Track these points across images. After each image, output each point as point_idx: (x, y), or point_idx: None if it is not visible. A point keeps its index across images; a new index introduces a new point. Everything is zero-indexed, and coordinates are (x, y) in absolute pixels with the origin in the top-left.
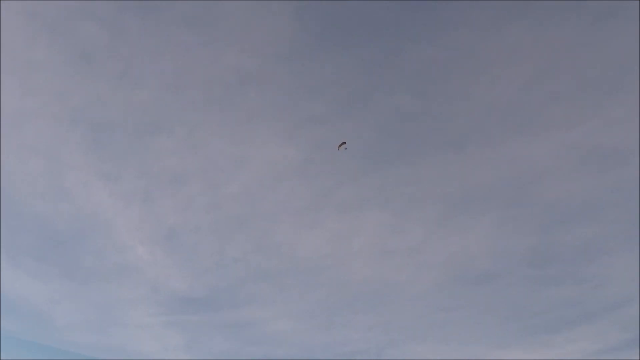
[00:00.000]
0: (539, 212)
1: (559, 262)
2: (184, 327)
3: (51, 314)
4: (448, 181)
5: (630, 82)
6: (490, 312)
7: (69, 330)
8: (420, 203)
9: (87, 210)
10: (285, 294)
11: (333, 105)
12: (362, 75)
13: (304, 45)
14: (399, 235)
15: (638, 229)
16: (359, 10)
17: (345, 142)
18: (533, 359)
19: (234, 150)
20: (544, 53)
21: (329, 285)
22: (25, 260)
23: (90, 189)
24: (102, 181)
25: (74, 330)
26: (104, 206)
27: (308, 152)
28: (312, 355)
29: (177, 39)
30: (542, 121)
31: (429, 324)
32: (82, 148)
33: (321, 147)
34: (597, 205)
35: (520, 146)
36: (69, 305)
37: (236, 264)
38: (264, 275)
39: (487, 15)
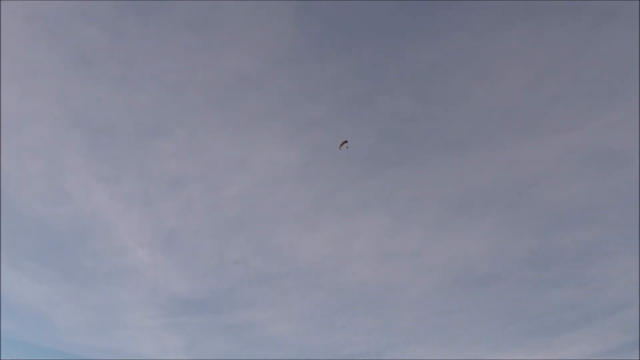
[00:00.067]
0: (539, 215)
1: (559, 264)
2: (184, 329)
3: (51, 316)
4: (448, 184)
5: (630, 85)
6: (491, 314)
7: (68, 332)
8: (420, 205)
9: (87, 212)
10: (285, 296)
11: (333, 108)
12: (362, 78)
13: (304, 48)
14: (399, 237)
15: (638, 231)
16: (359, 12)
17: (346, 141)
18: None
19: (234, 152)
20: (543, 56)
21: (329, 288)
22: (25, 262)
23: (90, 191)
24: (102, 183)
25: (73, 332)
26: (103, 208)
27: (308, 155)
28: (311, 357)
29: (177, 42)
30: (543, 124)
31: (429, 326)
32: (82, 150)
33: (321, 150)
34: (597, 207)
35: (521, 149)
36: (68, 307)
37: (236, 266)
38: (263, 277)
39: (487, 18)
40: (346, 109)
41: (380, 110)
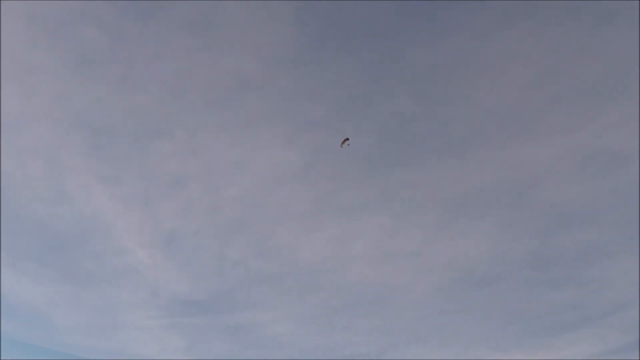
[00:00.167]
0: (539, 216)
1: (559, 265)
2: (184, 330)
3: (51, 317)
4: (448, 184)
5: (630, 86)
6: (491, 314)
7: (69, 333)
8: (420, 206)
9: (87, 213)
10: (285, 297)
11: (333, 109)
12: (363, 79)
13: (305, 49)
14: (399, 238)
15: (638, 232)
16: (360, 14)
17: (347, 139)
18: None
19: (234, 153)
20: (543, 56)
21: (330, 289)
22: (26, 263)
23: (91, 192)
24: (102, 184)
25: (74, 333)
26: (104, 209)
27: (308, 156)
28: (312, 358)
29: (177, 43)
30: (543, 124)
31: (429, 327)
32: (83, 151)
33: (321, 151)
34: (597, 208)
35: (521, 149)
36: (69, 307)
37: (236, 267)
38: (264, 278)
39: (487, 19)
40: (346, 110)
41: (380, 110)
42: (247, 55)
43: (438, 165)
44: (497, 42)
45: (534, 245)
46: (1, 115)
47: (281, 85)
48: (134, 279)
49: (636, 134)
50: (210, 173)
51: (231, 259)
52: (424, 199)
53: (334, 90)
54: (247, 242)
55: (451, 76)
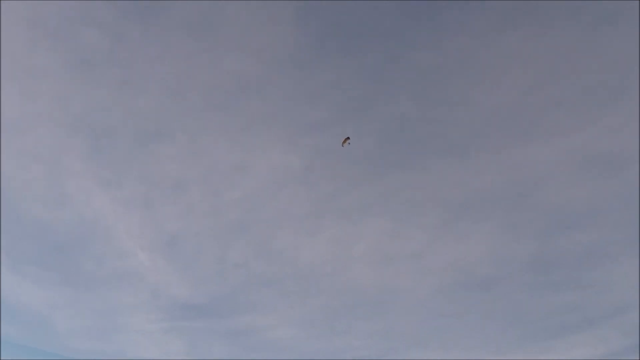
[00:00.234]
0: (540, 218)
1: (560, 267)
2: (185, 333)
3: (52, 320)
4: (449, 187)
5: (631, 88)
6: (492, 317)
7: (69, 336)
8: (421, 209)
9: (88, 216)
10: (286, 300)
11: (334, 112)
12: (363, 81)
13: (305, 52)
14: (400, 241)
15: (639, 234)
16: (361, 15)
17: (348, 138)
18: None
19: (235, 156)
20: (544, 59)
21: (330, 292)
22: (26, 266)
23: (91, 195)
24: (103, 187)
25: (74, 336)
26: (104, 212)
27: (309, 159)
28: None
29: (178, 45)
30: (543, 127)
31: (430, 330)
32: (83, 154)
33: (322, 154)
34: (598, 211)
35: (521, 152)
36: (69, 311)
37: (237, 270)
38: (265, 281)
39: (488, 21)
40: (347, 112)
41: (381, 113)
42: (248, 58)
43: (439, 168)
44: (498, 44)
45: (534, 248)
46: (2, 118)
47: (282, 87)
48: (134, 282)
49: (636, 137)
50: (211, 176)
51: (232, 261)
52: (424, 201)
53: (335, 92)
54: (248, 245)
55: (452, 78)
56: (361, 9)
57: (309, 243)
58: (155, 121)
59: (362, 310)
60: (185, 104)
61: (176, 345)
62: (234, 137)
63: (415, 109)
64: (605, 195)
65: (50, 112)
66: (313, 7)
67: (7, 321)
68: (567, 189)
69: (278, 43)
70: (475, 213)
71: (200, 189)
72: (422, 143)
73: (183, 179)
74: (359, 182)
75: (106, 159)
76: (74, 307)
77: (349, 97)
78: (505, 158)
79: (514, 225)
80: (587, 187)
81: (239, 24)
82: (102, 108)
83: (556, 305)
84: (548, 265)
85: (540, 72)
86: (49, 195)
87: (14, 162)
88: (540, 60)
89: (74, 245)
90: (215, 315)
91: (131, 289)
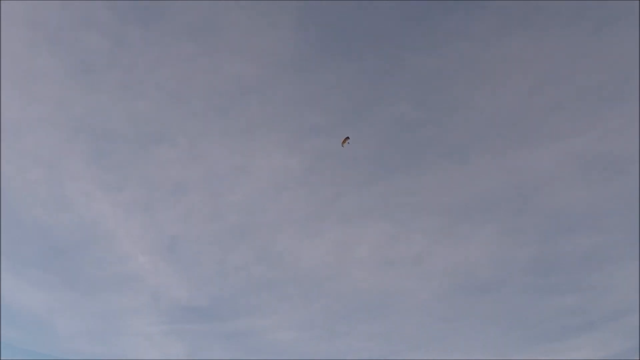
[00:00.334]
0: (541, 221)
1: (561, 270)
2: (186, 336)
3: (53, 323)
4: (450, 190)
5: (631, 91)
6: (493, 320)
7: (70, 340)
8: (422, 212)
9: (88, 219)
10: (287, 303)
11: (335, 115)
12: (364, 85)
13: (306, 55)
14: (400, 244)
15: (639, 237)
16: (361, 19)
17: (348, 137)
18: None
19: (236, 159)
20: (545, 62)
21: (331, 295)
22: (27, 270)
23: (92, 198)
24: (103, 190)
25: (75, 340)
26: (105, 215)
27: (310, 162)
28: None
29: (178, 49)
30: (544, 130)
31: (431, 333)
32: (84, 158)
33: (323, 157)
34: (598, 213)
35: (522, 155)
36: (70, 314)
37: (238, 273)
38: (265, 284)
39: (488, 25)
40: (348, 116)
41: (381, 116)
42: (248, 61)
43: (440, 171)
44: (498, 47)
45: (535, 251)
46: (3, 121)
47: (282, 90)
48: (135, 286)
49: (637, 139)
50: (212, 179)
51: (232, 265)
52: (425, 204)
53: (335, 96)
54: (249, 248)
55: (452, 82)
56: (362, 13)
57: (309, 246)
58: (156, 124)
59: (363, 313)
60: (186, 107)
61: (177, 348)
62: (234, 140)
63: (416, 112)
64: (605, 198)
65: (51, 115)
66: (313, 11)
67: (8, 324)
68: (567, 192)
69: (278, 46)
70: (476, 216)
71: (201, 192)
72: (423, 146)
73: (184, 182)
74: (360, 185)
75: (107, 162)
76: (74, 310)
77: (349, 101)
78: (506, 161)
79: (515, 228)
80: (588, 190)
81: (240, 27)
82: (102, 111)
83: (557, 307)
84: (549, 268)
85: (540, 75)
86: (49, 198)
87: (14, 165)
88: (540, 64)
89: (75, 248)
90: (216, 318)
91: (132, 291)
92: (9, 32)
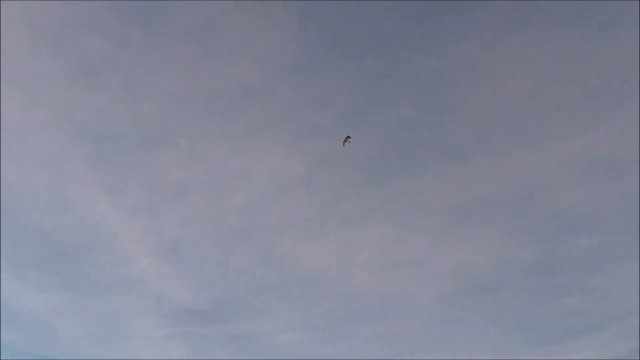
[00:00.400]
0: (543, 223)
1: (563, 272)
2: (188, 339)
3: (54, 326)
4: (452, 192)
5: (633, 92)
6: (495, 322)
7: (71, 342)
8: (424, 214)
9: (90, 222)
10: (289, 305)
11: (336, 117)
12: (366, 86)
13: (307, 57)
14: (403, 246)
15: None
16: (362, 21)
17: (349, 136)
18: None
19: (238, 162)
20: (546, 63)
21: (334, 297)
22: (29, 273)
23: (94, 201)
24: (106, 193)
25: (76, 342)
26: (107, 218)
27: (312, 164)
28: None
29: (180, 51)
30: (546, 131)
31: (433, 335)
32: (86, 160)
33: (325, 159)
34: (600, 215)
35: (524, 157)
36: (71, 317)
37: (240, 276)
38: (268, 287)
39: (489, 26)
40: (350, 117)
41: (383, 118)
42: (250, 63)
43: (441, 173)
44: (500, 48)
45: (537, 253)
46: (4, 124)
47: (284, 92)
48: (137, 288)
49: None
50: (214, 181)
51: (235, 267)
52: (427, 206)
53: (337, 97)
54: (251, 251)
55: (454, 83)
56: (363, 15)
57: (312, 248)
58: (158, 127)
59: (365, 314)
60: (188, 110)
61: (179, 351)
62: (236, 142)
63: (417, 114)
64: (607, 199)
65: (52, 118)
66: (315, 13)
67: (9, 327)
68: (569, 194)
69: (280, 48)
70: (477, 218)
71: (203, 194)
72: (425, 148)
73: (186, 184)
74: (362, 188)
75: (109, 164)
76: (76, 312)
77: (351, 102)
78: (508, 163)
79: (517, 230)
80: (590, 192)
81: (241, 29)
82: (104, 114)
83: (559, 310)
84: (551, 270)
85: (542, 77)
86: (51, 201)
87: (16, 168)
88: (542, 65)
89: (77, 251)
90: (219, 321)
91: (134, 294)
92: (9, 34)
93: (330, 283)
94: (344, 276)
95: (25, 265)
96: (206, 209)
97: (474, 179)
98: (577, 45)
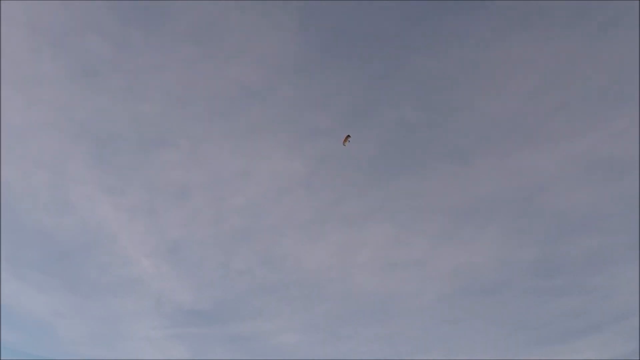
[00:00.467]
0: (543, 223)
1: (564, 273)
2: (189, 340)
3: (54, 327)
4: (453, 193)
5: (633, 92)
6: (496, 323)
7: (72, 343)
8: (425, 215)
9: (91, 223)
10: (290, 306)
11: (337, 118)
12: (366, 87)
13: (307, 57)
14: (403, 247)
15: None
16: (363, 22)
17: (349, 136)
18: None
19: (239, 163)
20: (547, 64)
21: (334, 298)
22: (29, 274)
23: (95, 202)
24: (106, 194)
25: (77, 343)
26: (108, 219)
27: (312, 165)
28: None
29: (181, 52)
30: (547, 132)
31: (434, 335)
32: (87, 161)
33: (326, 160)
34: (602, 215)
35: (525, 157)
36: (72, 318)
37: (241, 276)
38: (268, 287)
39: (490, 27)
40: (350, 118)
41: (384, 119)
42: (251, 64)
43: (442, 173)
44: (500, 49)
45: (538, 253)
46: (5, 125)
47: (285, 93)
48: (138, 289)
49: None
50: (215, 182)
51: (236, 268)
52: (428, 207)
53: (338, 98)
54: (252, 252)
55: (454, 83)
56: (364, 16)
57: (312, 249)
58: (159, 128)
59: (366, 315)
60: (189, 111)
61: (180, 351)
62: (237, 143)
63: (418, 114)
64: (608, 200)
65: (53, 119)
66: (316, 14)
67: (9, 327)
68: (570, 194)
69: (280, 49)
70: (478, 218)
71: (204, 195)
72: (426, 149)
73: (186, 185)
74: (363, 188)
75: (109, 165)
76: (76, 313)
77: (352, 103)
78: (508, 163)
79: (517, 231)
80: (590, 192)
81: (241, 30)
82: (105, 115)
83: (560, 310)
84: (551, 271)
85: (542, 77)
86: (52, 202)
87: (17, 168)
88: (542, 65)
89: (77, 252)
90: (219, 322)
91: (135, 295)
92: (9, 34)
93: (331, 283)
94: (344, 276)
95: (26, 265)
96: (206, 210)
97: (474, 179)
98: (577, 45)
